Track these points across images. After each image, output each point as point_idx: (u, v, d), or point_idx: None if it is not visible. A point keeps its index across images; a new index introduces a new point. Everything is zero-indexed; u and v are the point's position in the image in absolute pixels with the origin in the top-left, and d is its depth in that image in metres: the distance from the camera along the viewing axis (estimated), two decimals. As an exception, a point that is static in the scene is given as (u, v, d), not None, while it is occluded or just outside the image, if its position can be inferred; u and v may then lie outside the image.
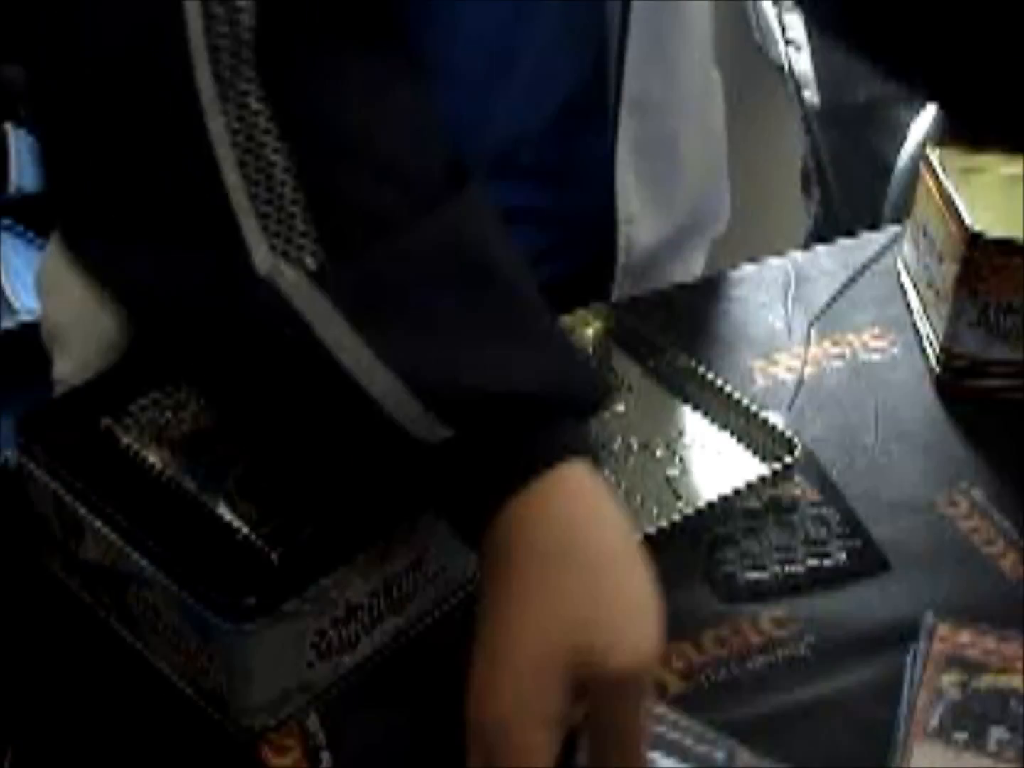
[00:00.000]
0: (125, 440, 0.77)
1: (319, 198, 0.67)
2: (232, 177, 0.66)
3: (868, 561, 0.84)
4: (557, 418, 0.68)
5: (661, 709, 0.72)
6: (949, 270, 0.96)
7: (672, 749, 0.70)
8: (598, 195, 0.99)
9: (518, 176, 0.97)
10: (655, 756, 0.70)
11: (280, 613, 0.70)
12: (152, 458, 0.77)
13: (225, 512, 0.74)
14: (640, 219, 1.01)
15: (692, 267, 1.14)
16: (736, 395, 0.91)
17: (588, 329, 0.97)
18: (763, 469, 0.87)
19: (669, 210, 1.04)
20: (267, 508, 0.74)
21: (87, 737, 0.74)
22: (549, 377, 0.69)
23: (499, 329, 0.69)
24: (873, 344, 1.01)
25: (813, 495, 0.88)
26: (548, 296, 0.71)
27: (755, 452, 0.89)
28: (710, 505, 0.84)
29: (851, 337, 1.02)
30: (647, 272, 1.05)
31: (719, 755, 0.71)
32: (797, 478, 0.88)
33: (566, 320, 0.96)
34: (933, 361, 0.98)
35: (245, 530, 0.73)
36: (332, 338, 0.66)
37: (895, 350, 1.01)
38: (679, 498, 0.85)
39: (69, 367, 1.04)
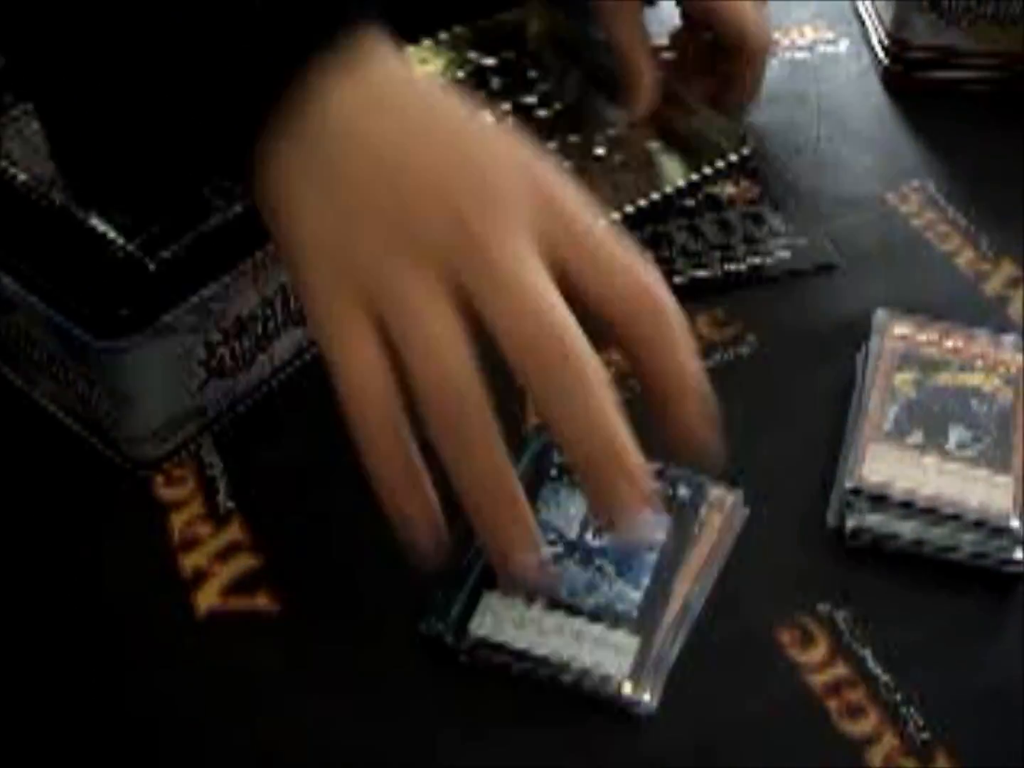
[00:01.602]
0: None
1: None
2: None
3: (814, 259, 0.77)
4: None
5: None
6: (897, -49, 0.88)
7: None
8: None
9: None
10: None
11: (159, 326, 0.63)
12: (18, 173, 0.68)
13: (98, 224, 0.66)
14: None
15: None
16: (679, 90, 0.83)
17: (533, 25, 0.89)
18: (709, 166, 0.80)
19: None
20: (145, 218, 0.66)
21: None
22: None
23: None
24: (815, 37, 0.94)
25: (752, 192, 0.80)
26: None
27: (702, 150, 0.81)
28: (649, 203, 0.77)
29: (792, 31, 0.94)
30: None
31: (683, 492, 0.64)
32: (735, 173, 0.81)
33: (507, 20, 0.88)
34: (880, 52, 0.91)
35: (119, 240, 0.65)
36: None
37: (838, 44, 0.93)
38: (618, 191, 0.78)
39: None
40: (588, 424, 0.51)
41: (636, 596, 0.60)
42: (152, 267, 0.63)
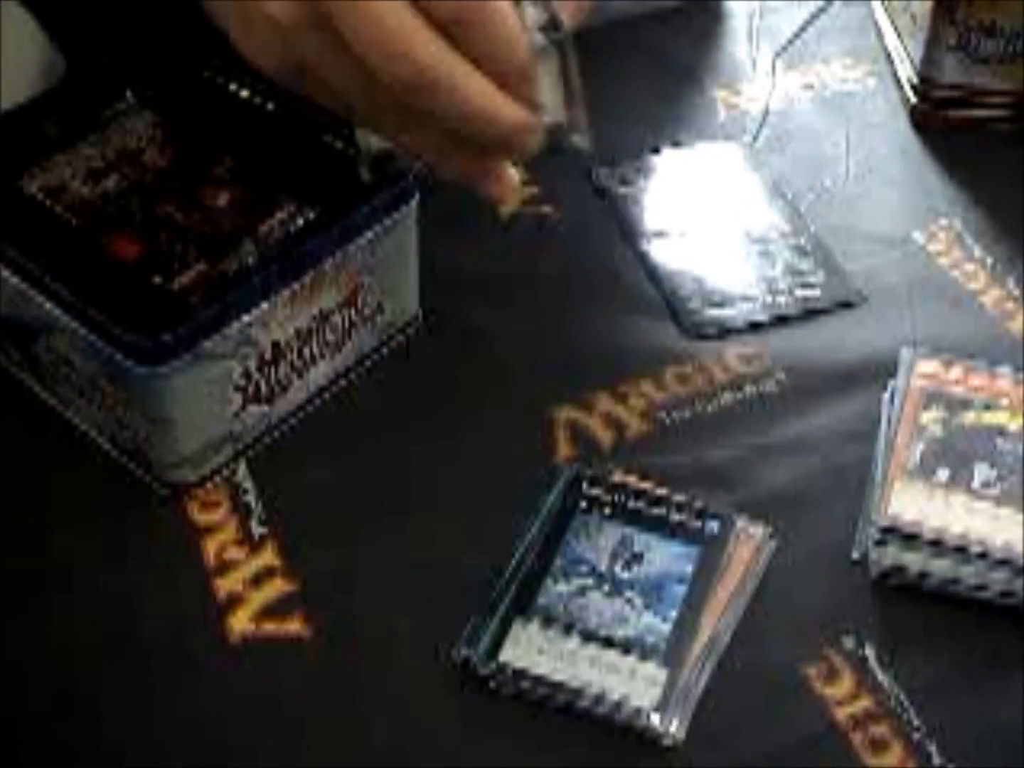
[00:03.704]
0: (30, 189, 0.70)
1: None
2: None
3: (841, 295, 0.78)
4: None
5: (642, 484, 0.67)
6: (926, -8, 0.89)
7: (662, 526, 0.65)
8: None
9: None
10: (642, 537, 0.65)
11: (198, 352, 0.64)
12: (60, 209, 0.69)
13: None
14: None
15: None
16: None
17: None
18: None
19: None
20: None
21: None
22: None
23: None
24: (844, 75, 0.94)
25: (781, 227, 0.81)
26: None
27: None
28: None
29: (820, 68, 0.95)
30: None
31: (711, 525, 0.65)
32: (764, 210, 0.82)
33: None
34: (909, 91, 0.91)
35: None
36: None
37: (868, 82, 0.94)
38: None
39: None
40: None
41: (664, 628, 0.61)
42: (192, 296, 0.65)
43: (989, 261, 0.81)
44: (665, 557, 0.64)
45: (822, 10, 0.99)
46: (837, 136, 0.89)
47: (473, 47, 0.57)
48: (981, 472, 0.67)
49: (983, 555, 0.63)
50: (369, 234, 0.69)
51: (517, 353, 0.74)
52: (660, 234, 0.81)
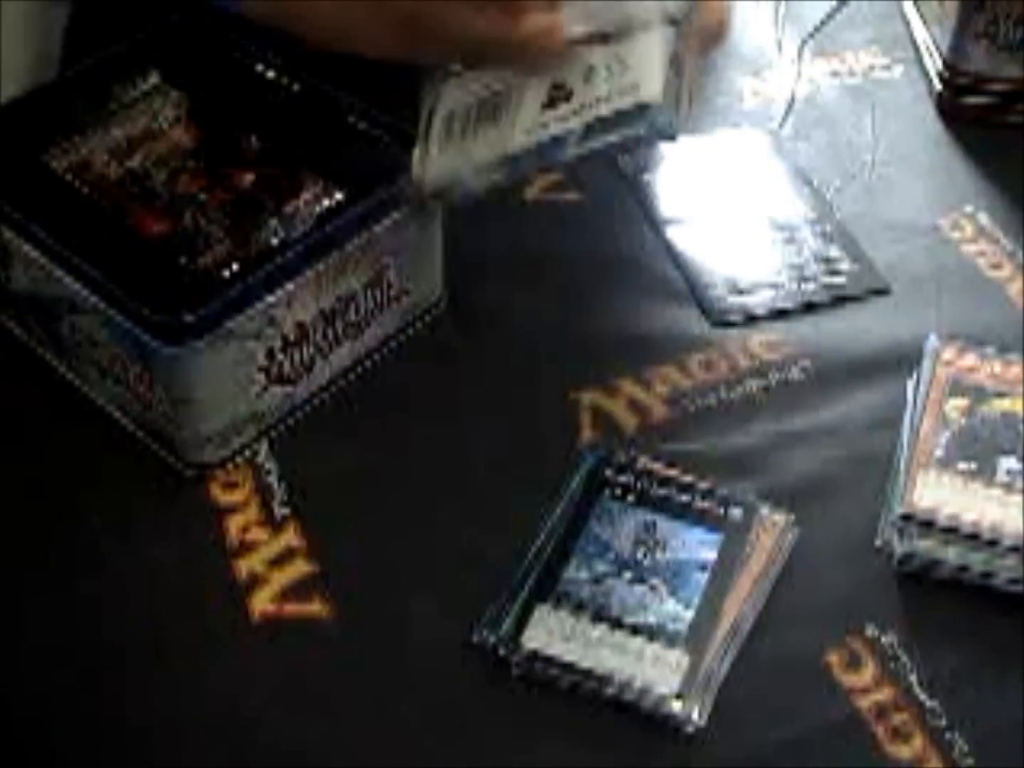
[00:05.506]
0: (56, 167, 0.70)
1: None
2: None
3: (866, 283, 0.78)
4: None
5: (665, 470, 0.67)
6: (954, -22, 0.88)
7: (685, 513, 0.65)
8: None
9: None
10: (665, 524, 0.65)
11: (223, 332, 0.64)
12: (86, 188, 0.69)
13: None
14: None
15: None
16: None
17: None
18: None
19: None
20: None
21: (21, 475, 0.68)
22: None
23: None
24: (871, 63, 0.94)
25: (806, 214, 0.81)
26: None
27: None
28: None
29: (847, 56, 0.94)
30: None
31: (735, 513, 0.65)
32: (790, 197, 0.82)
33: None
34: (935, 79, 0.91)
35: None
36: None
37: (895, 70, 0.93)
38: None
39: None
40: None
41: (687, 614, 0.61)
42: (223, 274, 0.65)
43: (1015, 250, 0.80)
44: (688, 544, 0.64)
45: (849, -3, 0.99)
46: (863, 123, 0.89)
47: None
48: (1005, 461, 0.67)
49: (993, 542, 0.63)
50: (395, 216, 0.69)
51: (541, 337, 0.74)
52: (685, 220, 0.81)
